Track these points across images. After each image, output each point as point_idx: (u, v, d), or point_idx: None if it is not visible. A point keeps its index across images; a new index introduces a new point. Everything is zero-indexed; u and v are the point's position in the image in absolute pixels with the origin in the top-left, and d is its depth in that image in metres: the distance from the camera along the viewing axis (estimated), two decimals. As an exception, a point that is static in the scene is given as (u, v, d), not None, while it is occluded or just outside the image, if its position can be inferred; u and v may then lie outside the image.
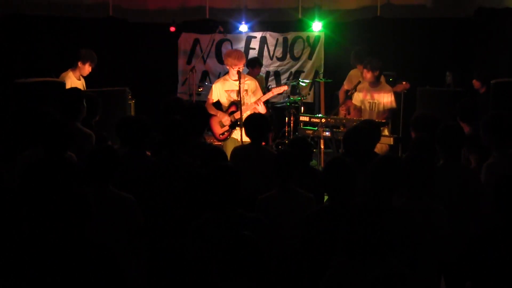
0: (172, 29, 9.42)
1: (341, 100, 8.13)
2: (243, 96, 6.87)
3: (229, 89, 6.98)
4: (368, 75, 7.08)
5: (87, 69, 7.35)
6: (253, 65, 8.59)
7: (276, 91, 7.30)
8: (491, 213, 3.89)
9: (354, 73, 7.99)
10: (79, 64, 7.29)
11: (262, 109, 6.95)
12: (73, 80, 7.16)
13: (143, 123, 4.90)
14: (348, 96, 7.43)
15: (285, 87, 7.60)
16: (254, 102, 6.88)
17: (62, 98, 5.38)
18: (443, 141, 4.40)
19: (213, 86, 7.13)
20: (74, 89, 5.83)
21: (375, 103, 7.16)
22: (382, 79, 7.42)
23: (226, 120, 6.95)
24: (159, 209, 4.41)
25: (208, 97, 7.15)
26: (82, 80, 7.41)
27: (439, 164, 4.37)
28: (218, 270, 3.37)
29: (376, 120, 6.83)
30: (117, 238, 3.76)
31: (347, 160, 3.79)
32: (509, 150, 4.57)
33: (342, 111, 7.91)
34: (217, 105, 7.13)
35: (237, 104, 6.85)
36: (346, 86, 8.07)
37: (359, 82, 7.26)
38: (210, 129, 7.12)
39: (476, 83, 7.47)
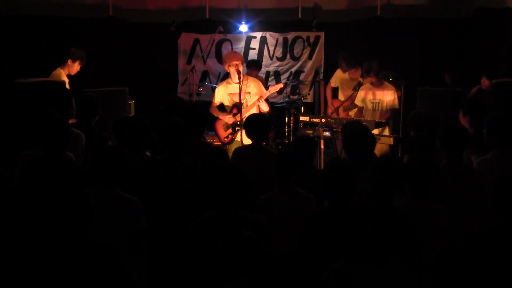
0: (172, 29, 9.42)
1: (328, 97, 8.27)
2: (246, 98, 6.90)
3: (232, 92, 7.01)
4: (374, 79, 7.15)
5: (76, 68, 7.27)
6: (249, 67, 8.59)
7: (273, 89, 7.31)
8: (491, 213, 3.90)
9: (339, 74, 8.10)
10: (69, 62, 7.21)
11: (265, 106, 6.97)
12: (65, 79, 7.09)
13: (142, 123, 4.89)
14: (350, 94, 7.45)
15: (281, 85, 7.59)
16: (257, 100, 6.89)
17: (51, 98, 5.38)
18: (446, 141, 4.40)
19: (216, 89, 7.20)
20: (64, 90, 5.83)
21: (378, 102, 7.18)
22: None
23: (229, 119, 6.98)
24: (160, 209, 4.40)
25: (212, 100, 7.20)
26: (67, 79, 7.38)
27: (441, 164, 4.37)
28: (218, 270, 3.37)
29: (377, 120, 6.86)
30: (121, 240, 3.76)
31: (346, 161, 3.79)
32: (509, 150, 4.58)
33: (330, 111, 8.00)
34: (222, 108, 7.18)
35: (238, 106, 6.86)
36: (332, 84, 8.22)
37: (360, 83, 7.28)
38: (215, 132, 7.16)
39: (485, 82, 7.45)
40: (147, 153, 5.09)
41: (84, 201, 3.24)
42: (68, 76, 7.24)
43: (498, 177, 3.49)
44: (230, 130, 7.03)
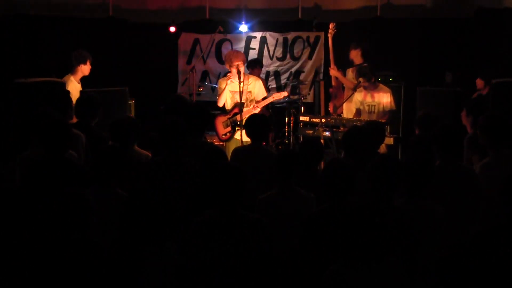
0: (172, 29, 9.44)
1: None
2: (247, 97, 6.90)
3: (233, 90, 7.01)
4: (366, 84, 7.16)
5: (89, 67, 7.21)
6: (253, 66, 8.58)
7: (277, 96, 7.31)
8: (490, 213, 3.90)
9: (350, 75, 8.09)
10: (84, 65, 7.06)
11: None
12: (75, 85, 7.01)
13: (129, 121, 4.89)
14: (350, 94, 7.45)
15: (285, 93, 7.57)
16: (252, 108, 6.88)
17: (50, 98, 5.38)
18: (439, 142, 4.40)
19: (219, 82, 7.15)
20: (64, 91, 5.83)
21: (375, 105, 7.18)
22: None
23: (228, 121, 7.01)
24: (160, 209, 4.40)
25: (219, 92, 7.10)
26: (80, 83, 7.33)
27: (436, 164, 4.37)
28: (218, 269, 3.37)
29: (378, 121, 6.86)
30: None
31: (346, 161, 3.79)
32: (504, 150, 4.58)
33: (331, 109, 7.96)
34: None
35: (240, 106, 6.88)
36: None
37: (359, 83, 7.28)
38: (214, 129, 7.16)
39: (479, 82, 7.44)
40: (149, 153, 5.08)
41: (83, 201, 3.24)
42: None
43: (507, 177, 3.47)
44: (229, 128, 7.04)
